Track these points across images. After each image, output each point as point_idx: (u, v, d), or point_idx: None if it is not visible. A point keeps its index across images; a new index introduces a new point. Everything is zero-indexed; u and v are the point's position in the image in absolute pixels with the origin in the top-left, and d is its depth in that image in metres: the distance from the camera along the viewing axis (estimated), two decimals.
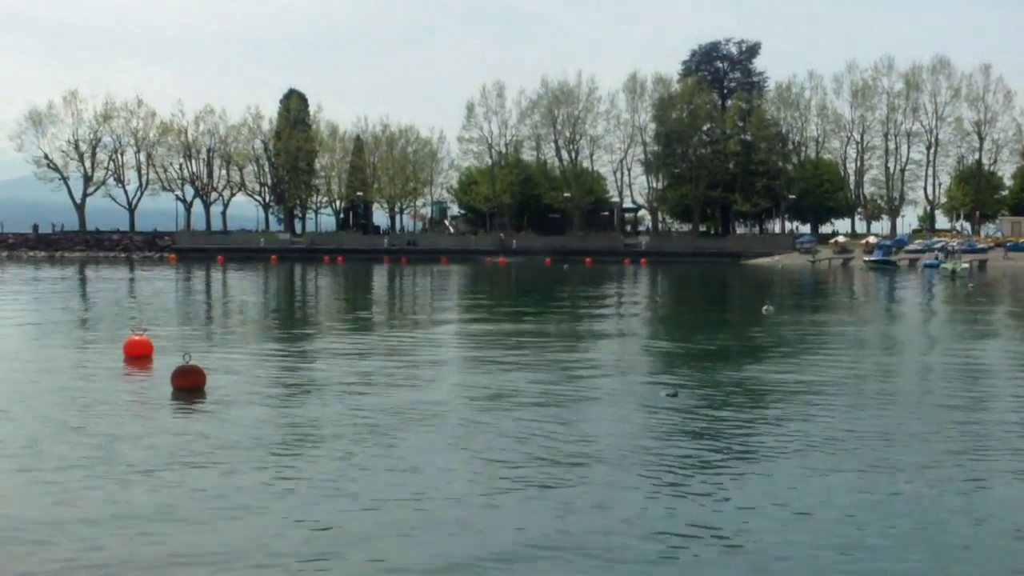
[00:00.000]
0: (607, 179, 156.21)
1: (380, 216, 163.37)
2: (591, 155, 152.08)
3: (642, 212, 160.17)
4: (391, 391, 22.89)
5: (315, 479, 14.77)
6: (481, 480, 14.93)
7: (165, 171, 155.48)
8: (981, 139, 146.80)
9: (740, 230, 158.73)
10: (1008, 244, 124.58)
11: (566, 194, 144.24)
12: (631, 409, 21.00)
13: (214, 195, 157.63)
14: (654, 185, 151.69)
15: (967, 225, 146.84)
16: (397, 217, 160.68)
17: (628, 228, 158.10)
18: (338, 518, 12.79)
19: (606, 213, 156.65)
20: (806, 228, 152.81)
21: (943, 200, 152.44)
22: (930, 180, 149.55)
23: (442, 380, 24.69)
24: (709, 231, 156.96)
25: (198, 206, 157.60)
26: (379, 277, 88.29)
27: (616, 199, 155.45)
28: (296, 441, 17.49)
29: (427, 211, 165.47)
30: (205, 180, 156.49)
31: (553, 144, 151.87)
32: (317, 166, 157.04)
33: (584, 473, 15.38)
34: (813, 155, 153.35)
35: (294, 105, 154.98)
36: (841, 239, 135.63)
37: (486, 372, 26.20)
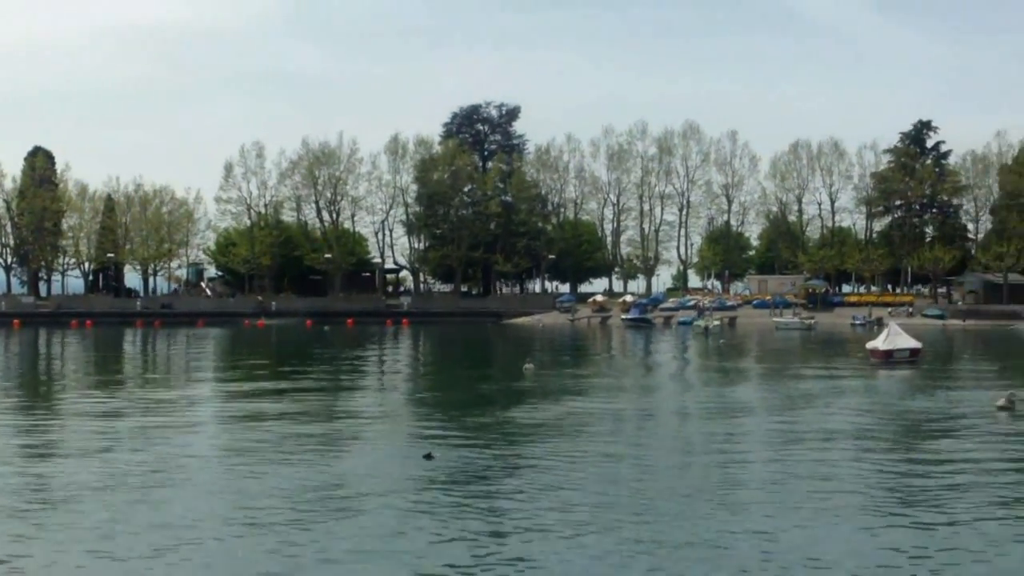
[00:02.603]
0: (369, 240, 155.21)
1: (133, 278, 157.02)
2: (353, 216, 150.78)
3: (404, 273, 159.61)
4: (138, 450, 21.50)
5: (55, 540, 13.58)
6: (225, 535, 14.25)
7: None
8: (729, 201, 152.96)
9: (502, 290, 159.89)
10: (755, 302, 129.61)
11: (327, 255, 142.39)
12: (386, 470, 20.59)
13: None
14: (416, 246, 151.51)
15: (718, 284, 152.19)
16: (151, 279, 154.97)
17: (390, 289, 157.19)
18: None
19: (368, 274, 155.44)
20: (566, 287, 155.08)
21: (695, 260, 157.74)
22: (683, 240, 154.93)
23: (188, 472, 23.34)
24: (471, 291, 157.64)
25: None
26: (130, 341, 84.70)
27: (378, 260, 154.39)
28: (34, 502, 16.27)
29: (183, 273, 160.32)
30: None
31: (314, 205, 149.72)
32: (64, 226, 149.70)
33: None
34: (572, 216, 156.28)
35: (40, 163, 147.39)
36: (599, 298, 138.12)
37: (238, 445, 25.06)
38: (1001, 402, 30.94)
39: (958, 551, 14.74)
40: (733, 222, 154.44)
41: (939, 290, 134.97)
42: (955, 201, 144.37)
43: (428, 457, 21.83)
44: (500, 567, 13.95)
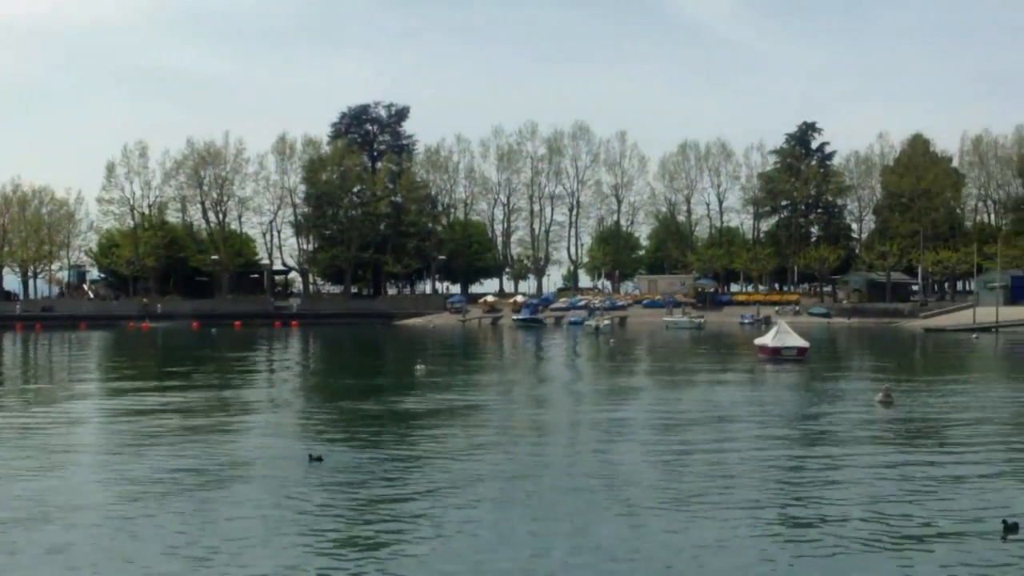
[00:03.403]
0: (257, 241, 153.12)
1: (12, 281, 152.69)
2: (240, 217, 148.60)
3: (293, 274, 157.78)
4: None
5: None
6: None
7: None
8: (619, 202, 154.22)
9: (392, 291, 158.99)
10: (645, 301, 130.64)
11: (214, 256, 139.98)
12: (273, 473, 20.17)
13: None
14: (305, 247, 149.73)
15: (608, 283, 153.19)
16: (31, 282, 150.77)
17: (279, 290, 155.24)
18: None
19: (256, 275, 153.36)
20: (457, 288, 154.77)
21: (585, 259, 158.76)
22: (573, 240, 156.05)
23: (73, 465, 22.40)
24: (361, 293, 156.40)
25: None
26: (9, 345, 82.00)
27: (266, 261, 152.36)
28: None
29: (64, 275, 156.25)
30: None
31: (200, 205, 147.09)
32: None
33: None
34: (462, 216, 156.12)
35: None
36: (490, 299, 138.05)
37: (122, 446, 24.19)
38: (879, 397, 31.85)
39: (832, 539, 14.99)
40: (623, 222, 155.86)
41: (824, 289, 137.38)
42: (839, 201, 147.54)
43: (315, 459, 21.28)
44: (388, 566, 13.78)
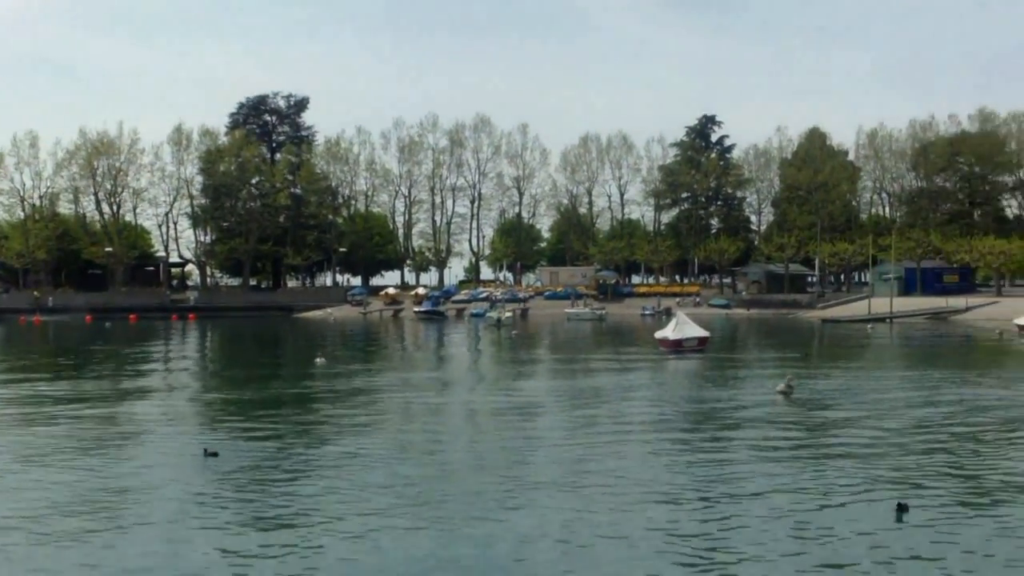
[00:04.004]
0: (152, 233, 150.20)
1: None
2: (135, 208, 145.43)
3: (190, 267, 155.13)
4: None
5: None
6: None
7: None
8: (521, 194, 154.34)
9: (292, 283, 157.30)
10: (547, 293, 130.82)
11: (108, 249, 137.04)
12: (165, 471, 19.75)
13: None
14: (202, 239, 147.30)
15: (510, 275, 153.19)
16: None
17: (176, 283, 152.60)
18: None
19: (152, 268, 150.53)
20: (357, 281, 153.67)
21: (487, 252, 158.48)
22: (475, 233, 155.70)
23: None
24: (260, 285, 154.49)
25: None
26: None
27: (163, 253, 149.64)
28: None
29: None
30: None
31: (93, 197, 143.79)
32: None
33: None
34: (363, 208, 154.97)
35: None
36: (392, 291, 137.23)
37: (10, 445, 23.35)
38: (780, 387, 32.04)
39: (741, 529, 15.03)
40: (524, 214, 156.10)
41: (724, 280, 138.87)
42: (739, 194, 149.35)
43: (211, 454, 20.81)
44: (285, 561, 13.60)
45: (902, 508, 15.82)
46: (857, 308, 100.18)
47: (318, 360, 46.91)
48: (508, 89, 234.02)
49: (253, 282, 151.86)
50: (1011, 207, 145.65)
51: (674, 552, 14.05)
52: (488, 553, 14.05)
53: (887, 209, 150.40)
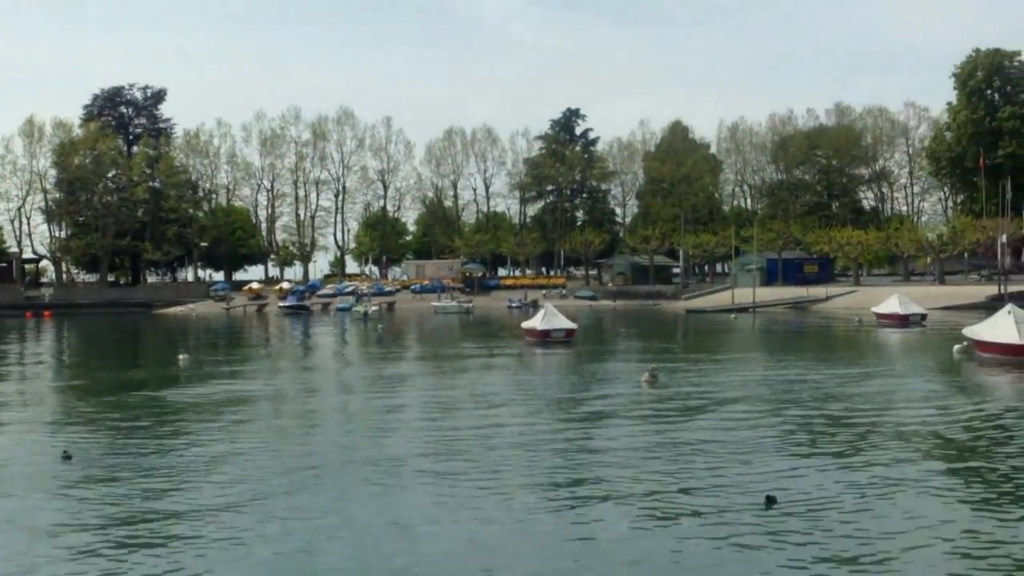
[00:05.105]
0: (4, 228, 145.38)
1: None
2: None
3: (45, 263, 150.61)
4: None
5: None
6: None
7: None
8: (385, 187, 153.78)
9: (152, 279, 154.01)
10: (414, 287, 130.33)
11: None
12: (18, 472, 19.08)
13: None
14: (57, 234, 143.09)
15: (376, 269, 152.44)
16: None
17: (30, 280, 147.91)
18: None
19: (4, 264, 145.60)
20: (220, 276, 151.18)
21: (352, 245, 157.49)
22: (339, 226, 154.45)
23: None
24: (119, 281, 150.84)
25: None
26: None
27: (15, 249, 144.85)
28: None
29: None
30: None
31: None
32: None
33: None
34: (225, 202, 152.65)
35: None
36: (255, 286, 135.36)
37: None
38: (645, 376, 32.20)
39: (601, 516, 15.10)
40: (390, 207, 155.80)
41: (590, 272, 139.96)
42: (603, 186, 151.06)
43: (67, 457, 20.06)
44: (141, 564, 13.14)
45: (771, 500, 15.79)
46: (721, 298, 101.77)
47: (180, 358, 45.90)
48: (372, 82, 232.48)
49: (111, 278, 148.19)
50: (867, 199, 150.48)
51: (531, 546, 13.92)
52: (349, 547, 13.83)
53: (748, 201, 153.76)
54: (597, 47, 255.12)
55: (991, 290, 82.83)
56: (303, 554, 13.49)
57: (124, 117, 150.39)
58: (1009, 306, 40.46)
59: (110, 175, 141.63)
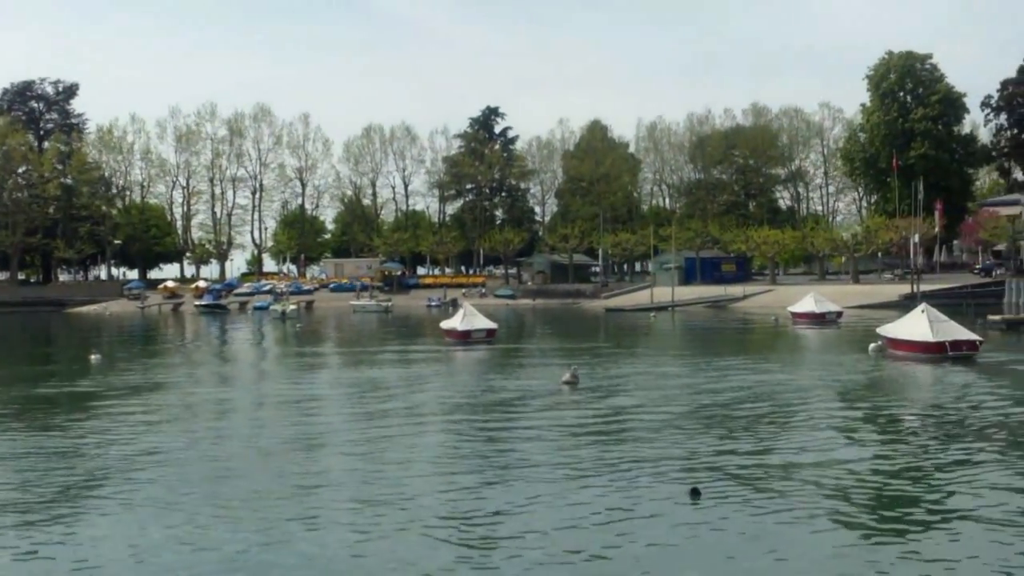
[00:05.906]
0: None
1: None
2: None
3: None
4: None
5: None
6: None
7: None
8: (303, 185, 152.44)
9: (64, 277, 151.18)
10: (332, 285, 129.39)
11: None
12: None
13: None
14: None
15: (294, 268, 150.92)
16: None
17: None
18: None
19: None
20: (134, 274, 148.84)
21: (270, 244, 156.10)
22: (257, 224, 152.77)
23: None
24: (29, 279, 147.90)
25: None
26: None
27: None
28: None
29: None
30: None
31: None
32: None
33: None
34: (139, 199, 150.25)
35: None
36: (171, 284, 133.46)
37: None
38: (566, 377, 31.80)
39: (527, 514, 14.87)
40: (308, 205, 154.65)
41: (510, 271, 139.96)
42: (523, 185, 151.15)
43: None
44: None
45: (695, 493, 15.91)
46: (640, 297, 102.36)
47: (93, 357, 44.94)
48: (289, 78, 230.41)
49: (22, 276, 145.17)
50: (783, 199, 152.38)
51: (454, 543, 13.75)
52: (270, 549, 13.48)
53: (667, 200, 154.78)
54: (516, 45, 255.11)
55: (904, 289, 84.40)
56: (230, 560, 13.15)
57: (35, 112, 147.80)
58: (923, 305, 41.22)
59: (20, 171, 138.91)
